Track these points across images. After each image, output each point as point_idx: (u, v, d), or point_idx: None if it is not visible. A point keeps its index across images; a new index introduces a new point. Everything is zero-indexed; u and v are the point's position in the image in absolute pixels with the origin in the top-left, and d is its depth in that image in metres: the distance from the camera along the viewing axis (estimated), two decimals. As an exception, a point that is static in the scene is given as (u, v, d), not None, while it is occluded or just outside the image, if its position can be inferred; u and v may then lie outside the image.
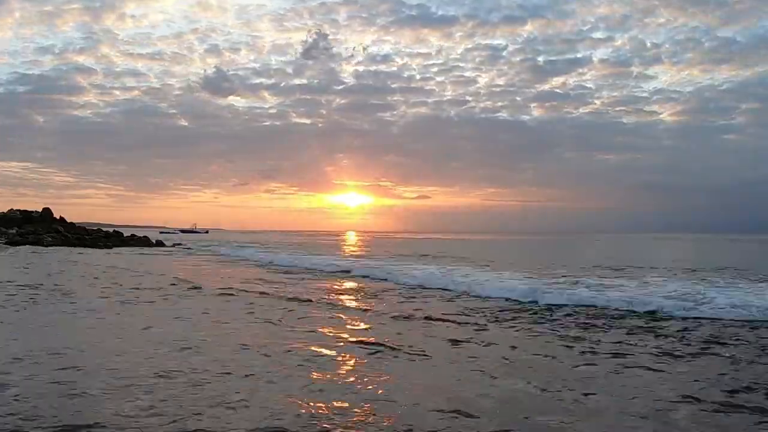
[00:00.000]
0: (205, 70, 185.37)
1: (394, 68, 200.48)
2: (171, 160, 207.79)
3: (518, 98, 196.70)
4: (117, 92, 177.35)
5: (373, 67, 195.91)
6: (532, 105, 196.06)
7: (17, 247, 38.10)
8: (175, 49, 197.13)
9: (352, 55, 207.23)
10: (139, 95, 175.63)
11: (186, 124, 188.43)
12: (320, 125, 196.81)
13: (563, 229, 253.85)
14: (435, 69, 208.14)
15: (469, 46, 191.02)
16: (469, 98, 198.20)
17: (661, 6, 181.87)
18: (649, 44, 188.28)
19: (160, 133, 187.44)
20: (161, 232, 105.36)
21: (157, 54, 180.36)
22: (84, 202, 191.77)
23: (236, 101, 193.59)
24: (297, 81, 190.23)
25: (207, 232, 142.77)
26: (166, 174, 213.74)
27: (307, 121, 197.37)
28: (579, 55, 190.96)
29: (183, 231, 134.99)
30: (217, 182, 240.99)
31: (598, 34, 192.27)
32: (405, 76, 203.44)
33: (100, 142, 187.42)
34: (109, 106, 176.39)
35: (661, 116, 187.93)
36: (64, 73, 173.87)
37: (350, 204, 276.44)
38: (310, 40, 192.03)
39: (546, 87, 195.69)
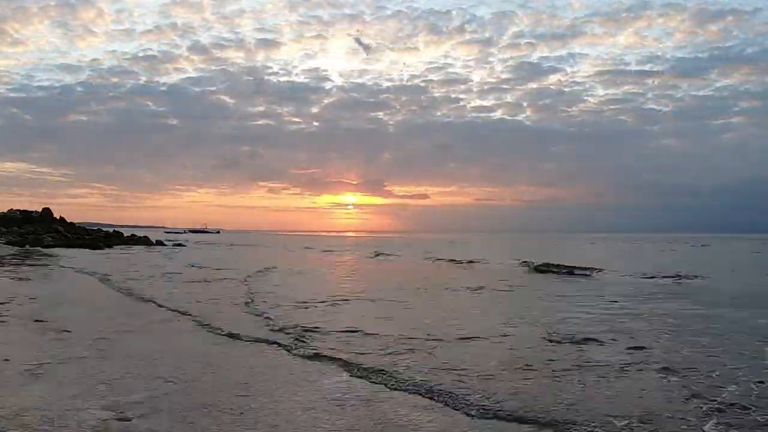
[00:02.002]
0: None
1: (382, 65, 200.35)
2: (163, 160, 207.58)
3: (512, 96, 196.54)
4: (104, 90, 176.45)
5: (361, 66, 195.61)
6: (525, 103, 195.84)
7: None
8: (160, 46, 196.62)
9: (341, 52, 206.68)
10: (127, 93, 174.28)
11: (176, 123, 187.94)
12: (315, 124, 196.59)
13: (560, 229, 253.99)
14: (424, 67, 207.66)
15: (459, 41, 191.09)
16: (462, 96, 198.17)
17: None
18: (646, 40, 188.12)
19: (150, 132, 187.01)
20: (166, 232, 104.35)
21: (141, 51, 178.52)
22: (79, 202, 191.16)
23: (226, 100, 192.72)
24: (286, 78, 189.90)
25: (218, 232, 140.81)
26: (158, 174, 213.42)
27: (299, 120, 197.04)
28: (573, 51, 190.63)
29: (193, 231, 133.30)
30: (209, 182, 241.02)
31: (592, 29, 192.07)
32: (395, 74, 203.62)
33: (90, 141, 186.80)
34: (99, 105, 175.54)
35: (658, 114, 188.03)
36: (47, 72, 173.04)
37: (347, 204, 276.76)
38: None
39: (540, 85, 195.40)
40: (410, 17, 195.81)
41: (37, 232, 44.42)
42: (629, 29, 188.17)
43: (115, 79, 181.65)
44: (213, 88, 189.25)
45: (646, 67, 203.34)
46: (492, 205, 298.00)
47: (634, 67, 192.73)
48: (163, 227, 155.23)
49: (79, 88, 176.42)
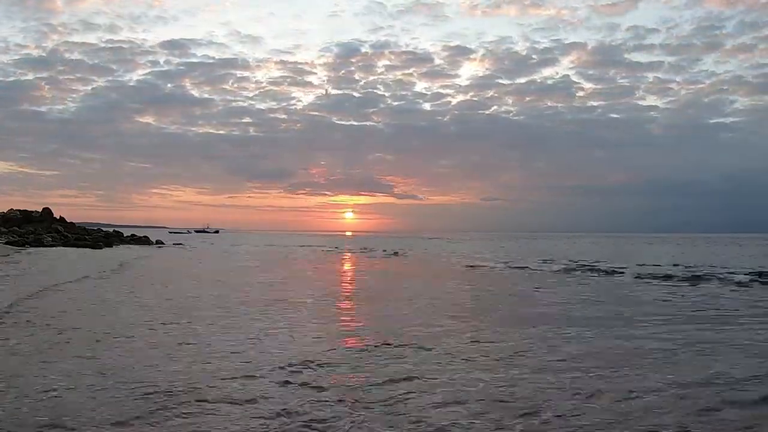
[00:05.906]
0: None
1: (364, 60, 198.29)
2: (149, 160, 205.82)
3: (499, 92, 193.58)
4: (79, 87, 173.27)
5: (339, 59, 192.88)
6: (513, 99, 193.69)
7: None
8: (131, 41, 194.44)
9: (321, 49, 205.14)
10: (104, 92, 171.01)
11: (158, 122, 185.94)
12: (300, 122, 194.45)
13: (560, 229, 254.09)
14: (408, 59, 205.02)
15: (444, 36, 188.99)
16: (450, 92, 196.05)
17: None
18: (641, 32, 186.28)
19: (133, 131, 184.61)
20: (170, 232, 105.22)
21: (116, 47, 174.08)
22: (70, 202, 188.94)
23: (210, 99, 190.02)
24: (269, 75, 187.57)
25: (217, 231, 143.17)
26: (145, 174, 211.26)
27: (285, 117, 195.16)
28: (565, 43, 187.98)
29: (196, 231, 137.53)
30: (199, 182, 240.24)
31: (584, 21, 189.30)
32: (379, 67, 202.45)
33: (74, 140, 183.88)
34: (77, 102, 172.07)
35: (654, 111, 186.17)
36: (14, 67, 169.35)
37: (338, 204, 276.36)
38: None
39: (529, 79, 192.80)
40: (389, 10, 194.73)
41: (37, 232, 44.30)
42: (625, 18, 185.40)
43: (91, 77, 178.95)
44: (188, 83, 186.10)
45: (642, 60, 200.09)
46: (487, 206, 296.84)
47: (629, 58, 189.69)
48: (165, 227, 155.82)
49: (50, 87, 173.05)
